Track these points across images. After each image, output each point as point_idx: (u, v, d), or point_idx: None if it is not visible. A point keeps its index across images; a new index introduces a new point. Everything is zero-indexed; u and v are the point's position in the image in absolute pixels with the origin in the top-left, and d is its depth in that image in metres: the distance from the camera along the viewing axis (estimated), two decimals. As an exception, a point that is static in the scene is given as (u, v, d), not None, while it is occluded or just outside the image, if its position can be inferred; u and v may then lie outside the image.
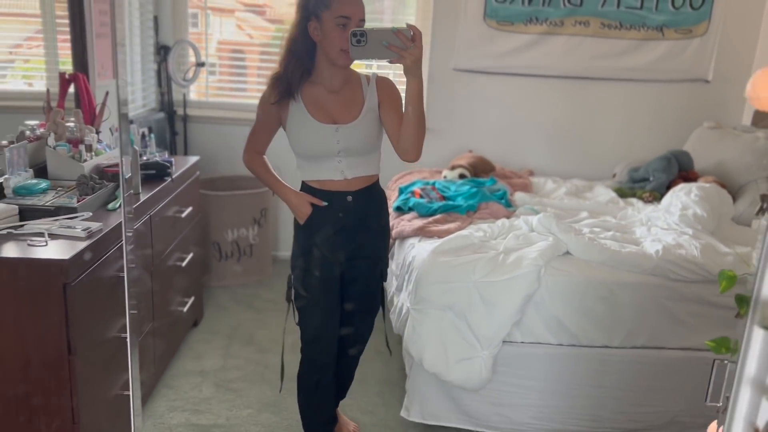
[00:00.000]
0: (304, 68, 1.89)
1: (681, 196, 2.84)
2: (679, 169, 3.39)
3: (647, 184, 3.35)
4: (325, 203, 1.95)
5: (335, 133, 1.88)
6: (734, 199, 3.05)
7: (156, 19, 3.67)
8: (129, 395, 2.11)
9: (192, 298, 2.88)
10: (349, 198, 1.94)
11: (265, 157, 2.07)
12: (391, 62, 1.74)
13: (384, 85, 1.97)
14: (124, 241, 1.27)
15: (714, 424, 1.12)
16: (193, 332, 3.00)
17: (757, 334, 0.96)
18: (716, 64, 3.73)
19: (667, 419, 2.36)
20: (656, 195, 3.20)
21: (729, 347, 1.08)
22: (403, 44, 1.70)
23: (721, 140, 3.52)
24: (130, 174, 1.32)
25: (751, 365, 0.97)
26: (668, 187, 3.19)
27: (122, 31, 1.50)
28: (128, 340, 1.26)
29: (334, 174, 1.93)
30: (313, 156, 1.92)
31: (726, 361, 1.02)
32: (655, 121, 3.85)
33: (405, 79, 1.77)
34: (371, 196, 2.00)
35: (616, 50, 3.71)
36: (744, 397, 0.98)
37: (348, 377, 2.29)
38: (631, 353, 2.33)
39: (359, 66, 3.80)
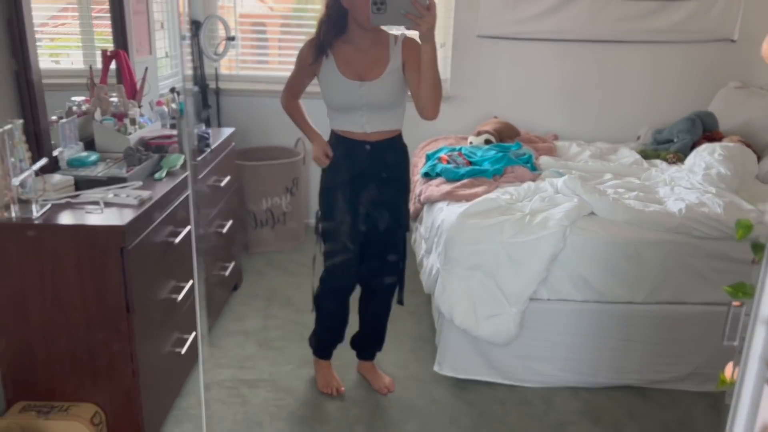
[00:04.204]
0: (337, 29, 2.08)
1: (705, 155, 2.88)
2: (704, 130, 3.41)
3: (671, 145, 3.39)
4: (333, 155, 2.19)
5: (359, 89, 2.07)
6: (759, 157, 3.08)
7: (185, -6, 3.75)
8: (180, 352, 2.28)
9: (232, 263, 3.03)
10: (368, 147, 2.15)
11: (300, 101, 2.28)
12: (407, 29, 1.93)
13: (409, 45, 2.11)
14: (191, 196, 1.38)
15: (731, 364, 1.21)
16: (234, 295, 3.16)
17: (771, 276, 1.04)
18: (742, 23, 3.71)
19: (689, 370, 2.46)
20: (680, 156, 3.23)
21: (745, 291, 1.17)
22: (419, 12, 1.84)
23: (746, 100, 3.53)
24: (195, 134, 1.43)
25: (765, 306, 1.06)
26: (692, 148, 3.21)
27: (167, 9, 1.60)
28: (196, 291, 1.39)
29: (355, 126, 2.14)
30: (338, 108, 2.13)
31: (742, 305, 1.11)
32: (679, 82, 3.86)
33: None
34: (390, 148, 2.19)
35: (640, 12, 3.71)
36: (759, 336, 1.07)
37: (380, 326, 2.46)
38: (655, 308, 2.42)
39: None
